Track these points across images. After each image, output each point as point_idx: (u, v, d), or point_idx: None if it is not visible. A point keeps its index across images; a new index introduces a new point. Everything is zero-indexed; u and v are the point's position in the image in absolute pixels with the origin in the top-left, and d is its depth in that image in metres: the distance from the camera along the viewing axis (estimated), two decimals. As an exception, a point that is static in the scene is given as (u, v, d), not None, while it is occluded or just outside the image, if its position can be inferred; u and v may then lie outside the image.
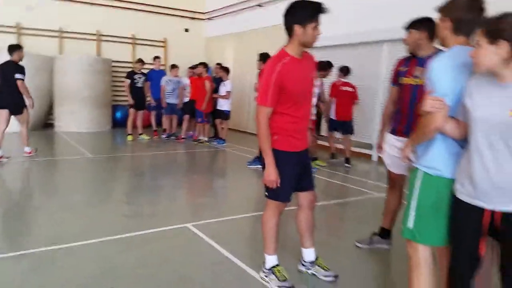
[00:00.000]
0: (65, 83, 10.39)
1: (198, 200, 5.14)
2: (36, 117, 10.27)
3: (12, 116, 6.71)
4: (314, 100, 6.57)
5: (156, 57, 10.10)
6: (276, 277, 2.75)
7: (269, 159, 2.57)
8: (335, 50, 8.47)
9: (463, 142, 1.92)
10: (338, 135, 7.62)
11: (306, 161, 2.84)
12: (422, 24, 3.06)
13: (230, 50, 12.53)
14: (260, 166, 7.03)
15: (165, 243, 3.52)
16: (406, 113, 3.18)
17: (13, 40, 10.37)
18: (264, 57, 7.26)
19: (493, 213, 1.80)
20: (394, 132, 3.28)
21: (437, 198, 1.99)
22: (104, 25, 11.90)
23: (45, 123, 10.85)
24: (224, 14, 12.63)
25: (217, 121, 9.41)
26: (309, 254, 2.94)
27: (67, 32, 11.46)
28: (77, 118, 10.39)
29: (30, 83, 9.80)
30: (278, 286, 2.71)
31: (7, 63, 6.66)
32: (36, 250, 3.23)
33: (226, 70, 9.16)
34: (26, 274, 2.85)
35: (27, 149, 6.95)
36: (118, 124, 11.19)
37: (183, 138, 9.63)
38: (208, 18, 13.52)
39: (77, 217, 4.12)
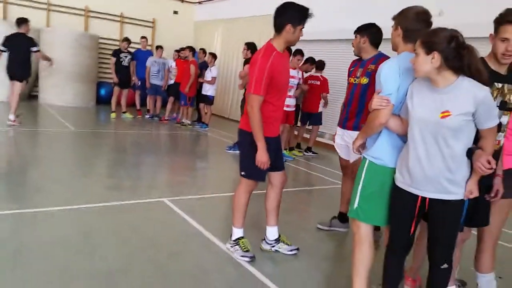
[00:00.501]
0: (51, 56, 10.38)
1: (176, 178, 5.41)
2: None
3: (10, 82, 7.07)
4: (293, 91, 6.86)
5: (143, 37, 10.20)
6: (240, 247, 3.06)
7: (262, 143, 2.83)
8: (317, 44, 8.76)
9: (405, 137, 2.20)
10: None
11: (279, 144, 3.17)
12: (365, 30, 3.44)
13: (218, 35, 12.65)
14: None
15: (141, 214, 3.80)
16: (346, 108, 3.63)
17: (-1, 9, 10.34)
18: (251, 46, 7.49)
19: (423, 199, 2.12)
20: (338, 124, 3.77)
21: (380, 184, 2.29)
22: (93, 1, 11.88)
23: (30, 95, 10.86)
24: (214, -1, 12.77)
25: (201, 105, 9.62)
26: (273, 232, 3.25)
27: (55, 5, 11.40)
28: (61, 92, 10.44)
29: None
30: (241, 256, 3.03)
31: (17, 35, 7.00)
32: (17, 211, 3.47)
33: (213, 56, 9.36)
34: (7, 233, 3.08)
35: (12, 117, 7.08)
36: (102, 100, 11.29)
37: (166, 120, 9.82)
38: (198, 2, 13.60)
39: (59, 186, 4.34)
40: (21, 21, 7.12)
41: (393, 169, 2.25)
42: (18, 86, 7.10)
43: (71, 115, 9.14)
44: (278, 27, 2.84)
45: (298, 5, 2.84)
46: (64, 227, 3.30)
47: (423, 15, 2.26)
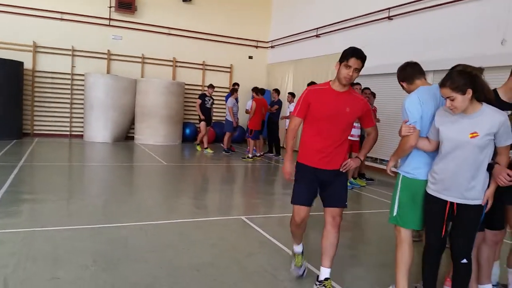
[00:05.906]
0: (145, 102, 12.10)
1: (251, 201, 6.23)
2: (120, 131, 12.08)
3: None
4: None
5: (235, 84, 11.63)
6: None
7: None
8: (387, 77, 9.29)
9: (432, 153, 2.71)
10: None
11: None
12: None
13: (288, 75, 13.68)
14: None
15: (224, 226, 4.64)
16: None
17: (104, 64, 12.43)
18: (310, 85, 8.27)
19: (451, 205, 2.59)
20: None
21: (412, 194, 2.80)
22: (179, 52, 13.65)
23: (127, 136, 12.66)
24: (285, 43, 13.89)
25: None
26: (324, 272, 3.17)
27: (148, 58, 13.30)
28: (154, 133, 12.05)
29: (118, 101, 11.57)
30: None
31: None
32: (130, 224, 4.48)
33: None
34: (127, 237, 4.06)
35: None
36: (187, 139, 12.82)
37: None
38: (271, 46, 14.85)
39: (159, 205, 5.39)
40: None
41: (423, 181, 2.73)
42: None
43: (162, 152, 10.54)
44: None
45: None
46: (166, 234, 4.23)
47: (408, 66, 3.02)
